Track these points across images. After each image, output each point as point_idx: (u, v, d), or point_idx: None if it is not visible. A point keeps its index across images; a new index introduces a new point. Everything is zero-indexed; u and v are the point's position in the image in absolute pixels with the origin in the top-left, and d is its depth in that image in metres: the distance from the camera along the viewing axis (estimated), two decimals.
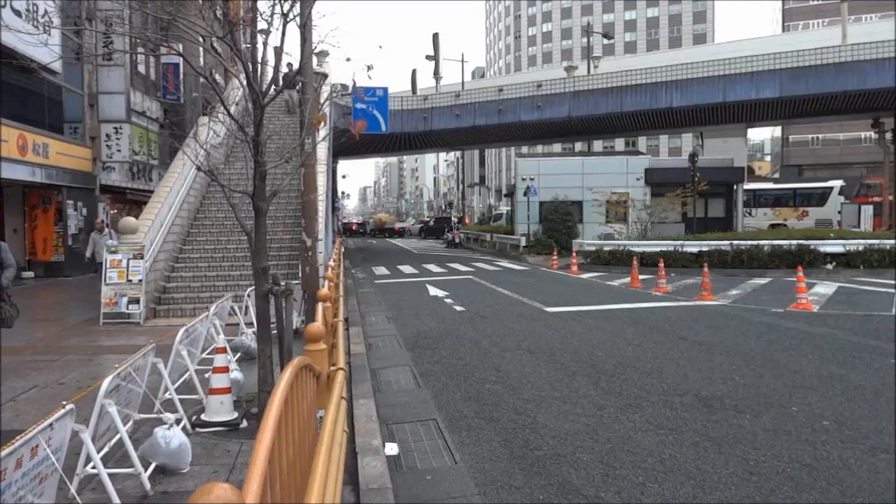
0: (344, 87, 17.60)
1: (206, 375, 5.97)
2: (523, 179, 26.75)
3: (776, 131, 61.78)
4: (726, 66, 24.76)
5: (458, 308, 11.78)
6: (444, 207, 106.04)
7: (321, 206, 12.39)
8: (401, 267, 21.13)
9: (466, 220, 60.86)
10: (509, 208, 38.51)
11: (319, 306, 5.15)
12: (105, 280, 10.52)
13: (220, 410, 5.23)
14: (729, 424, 5.14)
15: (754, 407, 5.57)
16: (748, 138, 36.80)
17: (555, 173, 26.86)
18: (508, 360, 7.47)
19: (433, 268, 20.83)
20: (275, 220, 14.50)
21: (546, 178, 26.80)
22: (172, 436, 4.21)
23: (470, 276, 17.88)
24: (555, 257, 20.71)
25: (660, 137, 59.22)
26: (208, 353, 7.13)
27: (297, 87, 14.93)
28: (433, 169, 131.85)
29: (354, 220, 75.75)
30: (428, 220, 62.11)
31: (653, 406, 5.64)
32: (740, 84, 24.62)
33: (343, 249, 23.81)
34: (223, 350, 5.46)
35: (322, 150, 14.41)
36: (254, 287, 5.76)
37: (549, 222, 25.30)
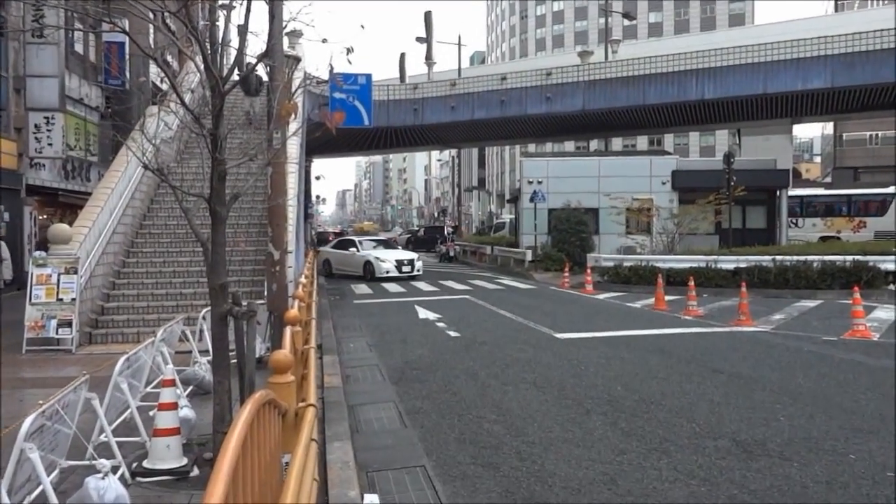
0: (323, 82, 17.67)
1: (151, 413, 5.91)
2: (529, 183, 26.89)
3: (827, 128, 62.46)
4: (768, 52, 25.05)
5: (453, 333, 11.79)
6: (436, 215, 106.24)
7: (291, 213, 12.38)
8: (385, 285, 21.17)
9: (463, 231, 61.09)
10: (513, 216, 38.70)
11: (288, 331, 5.13)
12: (30, 299, 10.37)
13: (167, 456, 5.18)
14: (773, 475, 5.11)
15: (803, 454, 5.56)
16: (794, 136, 37.16)
17: (566, 176, 27.01)
18: (511, 396, 7.46)
19: (423, 286, 20.86)
20: (236, 229, 14.49)
21: (556, 181, 26.94)
22: (107, 487, 4.13)
23: (466, 296, 17.89)
24: (566, 274, 20.79)
25: (689, 135, 59.67)
26: (154, 387, 7.07)
27: (261, 92, 14.98)
28: (424, 170, 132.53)
29: (331, 230, 75.78)
30: (417, 229, 62.26)
31: (682, 451, 5.63)
32: (784, 73, 24.90)
33: (317, 263, 23.79)
34: (171, 383, 5.41)
35: (293, 147, 14.44)
36: (210, 308, 5.73)
37: (559, 233, 25.42)
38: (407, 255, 23.73)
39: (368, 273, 22.69)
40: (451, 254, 34.76)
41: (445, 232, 39.57)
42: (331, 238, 63.66)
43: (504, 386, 7.93)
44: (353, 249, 23.87)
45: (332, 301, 17.68)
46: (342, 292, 20.24)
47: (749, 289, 15.11)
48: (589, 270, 19.97)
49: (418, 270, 23.16)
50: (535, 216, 25.54)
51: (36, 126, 17.54)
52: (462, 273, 26.57)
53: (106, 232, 12.37)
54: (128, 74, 22.26)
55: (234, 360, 5.50)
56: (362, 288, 21.07)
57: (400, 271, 22.63)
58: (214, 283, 5.15)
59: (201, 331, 9.25)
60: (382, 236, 44.25)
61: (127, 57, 21.81)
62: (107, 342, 10.99)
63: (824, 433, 6.05)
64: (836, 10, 54.22)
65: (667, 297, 15.68)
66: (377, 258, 22.80)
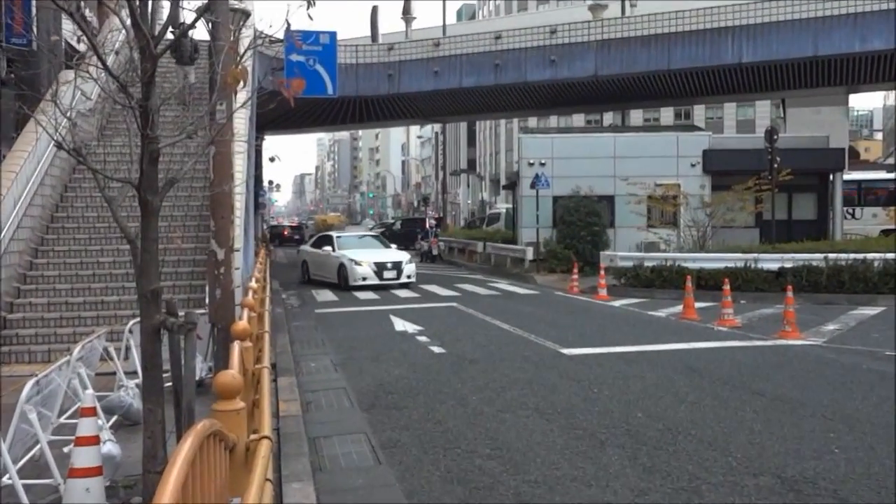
0: (278, 42, 17.55)
1: (66, 450, 5.87)
2: (530, 165, 26.99)
3: (890, 98, 63.11)
4: (820, 6, 25.24)
5: (436, 349, 11.85)
6: (416, 204, 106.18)
7: (239, 202, 12.35)
8: (355, 291, 21.19)
9: (449, 223, 61.15)
10: (510, 206, 38.76)
11: (235, 347, 5.12)
12: None
13: (86, 500, 5.15)
14: None
15: (862, 492, 5.62)
16: (850, 108, 37.48)
17: (575, 157, 27.14)
18: (509, 425, 7.50)
19: (401, 292, 20.90)
20: (171, 222, 14.43)
21: (563, 163, 27.06)
22: None
23: (453, 304, 17.94)
24: (575, 276, 20.94)
25: (724, 107, 60.22)
26: (69, 417, 7.03)
27: (196, 60, 14.84)
28: (401, 150, 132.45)
29: (287, 223, 75.46)
30: (392, 222, 62.27)
31: (716, 491, 5.68)
32: (839, 31, 25.10)
33: (270, 263, 23.71)
34: (91, 412, 5.38)
35: (241, 122, 14.39)
36: (139, 319, 5.71)
37: (566, 226, 25.56)
38: (392, 255, 22.71)
39: (342, 279, 21.79)
40: (435, 252, 34.83)
41: (427, 225, 39.54)
42: (286, 233, 63.81)
43: (500, 413, 7.97)
44: (329, 248, 23.13)
45: (288, 310, 17.65)
46: (302, 298, 20.16)
47: (796, 293, 15.23)
48: (602, 272, 20.10)
49: (409, 277, 22.09)
50: (537, 206, 25.65)
51: None
52: (448, 275, 26.59)
53: (8, 227, 12.27)
54: (35, 31, 22.04)
55: (170, 384, 5.48)
56: (326, 294, 21.02)
57: (381, 278, 21.59)
58: (144, 289, 5.14)
59: (128, 348, 9.20)
60: (362, 231, 44.35)
61: (34, 11, 21.60)
62: (10, 362, 10.90)
63: (888, 468, 6.12)
64: None
65: (697, 304, 15.78)
66: (351, 260, 21.77)
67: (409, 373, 10.11)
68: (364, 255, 22.02)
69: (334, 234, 25.28)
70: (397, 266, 21.94)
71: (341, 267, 21.86)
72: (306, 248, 25.70)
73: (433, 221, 39.88)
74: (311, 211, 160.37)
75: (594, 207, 25.56)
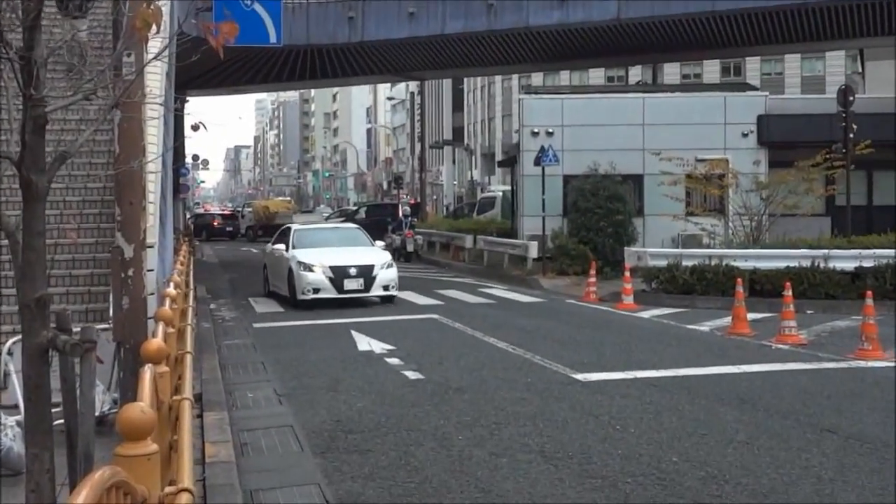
0: None
1: None
2: (534, 135, 27.06)
3: None
4: None
5: (412, 374, 11.88)
6: (385, 186, 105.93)
7: (152, 184, 12.27)
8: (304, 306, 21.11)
9: (429, 211, 61.07)
10: (508, 188, 38.75)
11: (147, 372, 5.10)
12: None
13: None
14: None
15: None
16: None
17: (592, 124, 27.24)
18: (505, 473, 7.50)
19: (366, 301, 20.84)
20: (64, 210, 14.34)
21: (576, 132, 27.14)
22: None
23: (434, 316, 17.99)
24: (592, 279, 21.04)
25: (785, 59, 60.44)
26: None
27: (90, 11, 14.68)
28: (366, 115, 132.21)
29: (218, 211, 74.88)
30: (355, 209, 62.23)
31: None
32: None
33: (193, 262, 23.59)
34: None
35: (155, 78, 14.29)
36: (19, 336, 5.68)
37: (581, 215, 25.64)
38: (362, 255, 20.90)
39: (291, 291, 20.50)
40: (410, 248, 34.83)
41: (400, 213, 39.55)
42: (216, 223, 63.49)
43: (494, 457, 7.97)
44: (282, 247, 21.79)
45: (218, 324, 17.63)
46: (236, 309, 20.08)
47: (878, 301, 15.27)
48: (627, 273, 20.15)
49: (387, 288, 20.48)
50: (544, 188, 25.69)
51: None
52: (427, 278, 26.55)
53: None
54: None
55: (61, 421, 5.45)
56: (268, 303, 20.95)
57: (340, 289, 19.97)
58: (27, 298, 5.10)
59: (6, 374, 9.15)
60: (316, 221, 44.08)
61: None
62: None
63: None
64: None
65: (750, 315, 15.85)
66: (300, 263, 20.24)
67: (375, 405, 10.10)
68: (319, 257, 20.35)
69: (295, 226, 24.14)
70: (365, 272, 20.14)
71: (290, 274, 20.59)
72: (270, 246, 23.90)
73: (408, 209, 39.87)
74: (249, 195, 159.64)
75: (617, 190, 25.66)
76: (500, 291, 22.71)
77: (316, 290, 19.88)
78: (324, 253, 20.71)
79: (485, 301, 20.73)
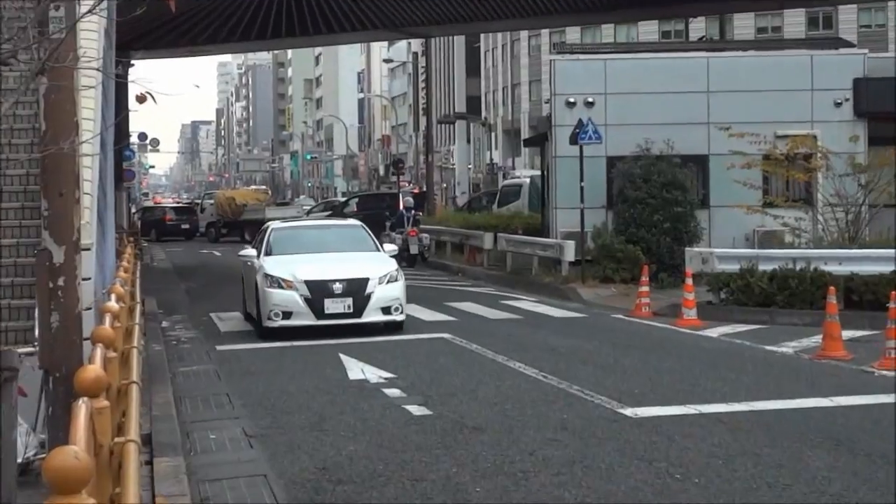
0: None
1: None
2: (570, 105, 26.98)
3: None
4: None
5: (416, 409, 11.87)
6: (382, 172, 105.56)
7: (88, 170, 12.27)
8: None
9: (437, 203, 60.89)
10: (537, 173, 38.56)
11: (83, 408, 5.09)
12: None
13: None
14: None
15: None
16: None
17: (644, 91, 27.15)
18: None
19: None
20: None
21: (623, 102, 27.08)
22: None
23: (445, 335, 18.03)
24: (644, 288, 21.00)
25: (889, 7, 59.88)
26: None
27: None
28: (357, 83, 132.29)
29: (171, 204, 74.85)
30: (345, 201, 62.16)
31: None
32: None
33: (140, 269, 23.57)
34: None
35: (91, 37, 14.29)
36: None
37: (630, 207, 25.67)
38: (357, 265, 19.57)
39: (258, 313, 19.35)
40: (415, 250, 34.73)
41: (401, 206, 39.39)
42: (168, 219, 63.46)
43: None
44: (253, 253, 20.73)
45: (173, 346, 17.67)
46: (195, 327, 20.08)
47: None
48: (689, 281, 20.02)
49: (388, 311, 18.87)
50: (582, 173, 25.59)
51: None
52: (436, 287, 26.52)
53: None
54: None
55: None
56: (234, 320, 20.97)
57: (320, 313, 18.54)
58: None
59: None
60: (294, 214, 43.89)
61: None
62: None
63: None
64: None
65: (845, 333, 15.72)
66: (268, 276, 18.94)
67: (370, 449, 10.06)
68: (294, 267, 19.20)
69: (274, 224, 22.92)
70: (355, 289, 18.65)
71: (257, 290, 19.37)
72: (243, 252, 22.33)
73: (410, 200, 39.68)
74: (210, 184, 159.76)
75: (675, 175, 25.64)
76: (527, 304, 22.68)
77: (286, 315, 18.44)
78: (302, 262, 19.48)
79: (508, 316, 20.71)
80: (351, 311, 18.53)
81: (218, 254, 45.36)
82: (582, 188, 25.51)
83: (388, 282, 18.98)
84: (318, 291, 18.48)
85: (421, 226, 37.30)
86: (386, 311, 18.79)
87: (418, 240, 35.27)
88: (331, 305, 18.48)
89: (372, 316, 18.69)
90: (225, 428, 11.24)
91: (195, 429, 11.20)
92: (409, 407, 12.00)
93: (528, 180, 40.79)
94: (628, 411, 11.43)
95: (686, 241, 24.50)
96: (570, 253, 25.74)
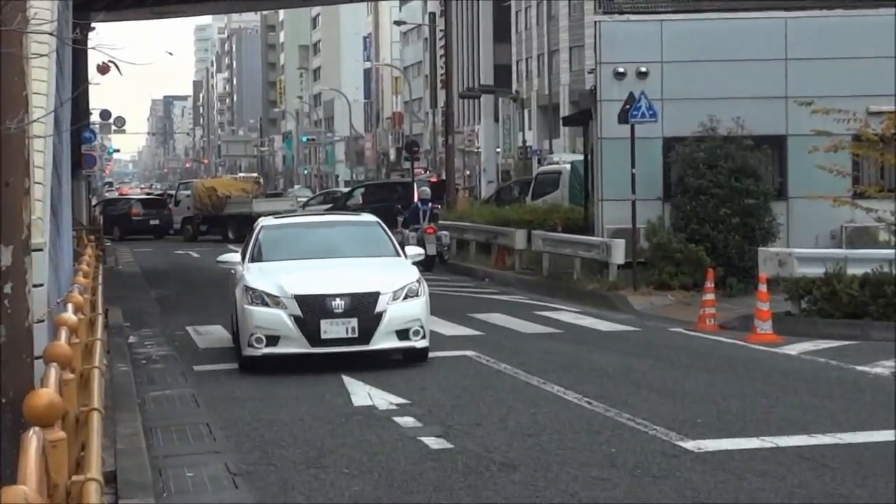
0: None
1: None
2: (618, 76, 26.95)
3: None
4: None
5: (434, 441, 11.85)
6: (392, 156, 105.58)
7: (40, 154, 12.25)
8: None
9: (460, 194, 60.83)
10: (579, 158, 38.43)
11: (33, 440, 5.04)
12: None
13: None
14: None
15: None
16: None
17: (707, 59, 27.12)
18: None
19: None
20: None
21: (682, 72, 27.07)
22: None
23: (468, 353, 18.11)
24: (709, 296, 20.96)
25: None
26: None
27: None
28: (363, 49, 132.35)
29: (139, 196, 75.14)
30: (349, 190, 62.31)
31: None
32: None
33: (103, 273, 23.57)
34: None
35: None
36: None
37: (691, 198, 25.71)
38: (366, 275, 18.45)
39: (236, 338, 18.59)
40: (433, 250, 34.69)
41: (416, 198, 39.44)
42: (135, 213, 63.64)
43: None
44: (237, 258, 19.71)
45: (141, 365, 17.72)
46: (169, 343, 20.10)
47: None
48: (764, 287, 19.94)
49: (408, 335, 17.58)
50: (634, 157, 25.65)
51: None
52: (458, 295, 26.54)
53: None
54: None
55: None
56: (214, 333, 21.00)
57: (315, 338, 17.35)
58: None
59: None
60: (287, 208, 43.65)
61: None
62: None
63: None
64: None
65: None
66: (249, 288, 17.97)
67: (379, 489, 10.04)
68: (283, 277, 18.21)
69: (265, 221, 21.91)
70: (361, 307, 17.50)
71: (236, 307, 18.52)
72: (223, 257, 21.31)
73: (427, 190, 39.71)
74: (186, 171, 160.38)
75: (746, 160, 25.66)
76: (568, 315, 22.66)
77: (271, 341, 17.32)
78: (296, 270, 18.61)
79: (545, 330, 20.69)
80: (356, 335, 17.27)
81: (196, 255, 45.58)
82: (633, 176, 25.54)
83: (405, 297, 17.71)
84: (312, 310, 17.30)
85: (439, 221, 37.34)
86: (402, 335, 17.50)
87: (436, 238, 35.33)
88: (329, 328, 17.29)
89: (383, 342, 17.42)
90: (204, 464, 11.20)
91: (169, 465, 11.19)
92: (425, 439, 11.97)
93: (568, 167, 40.83)
94: (690, 444, 11.36)
95: (759, 239, 24.49)
96: (619, 254, 25.76)
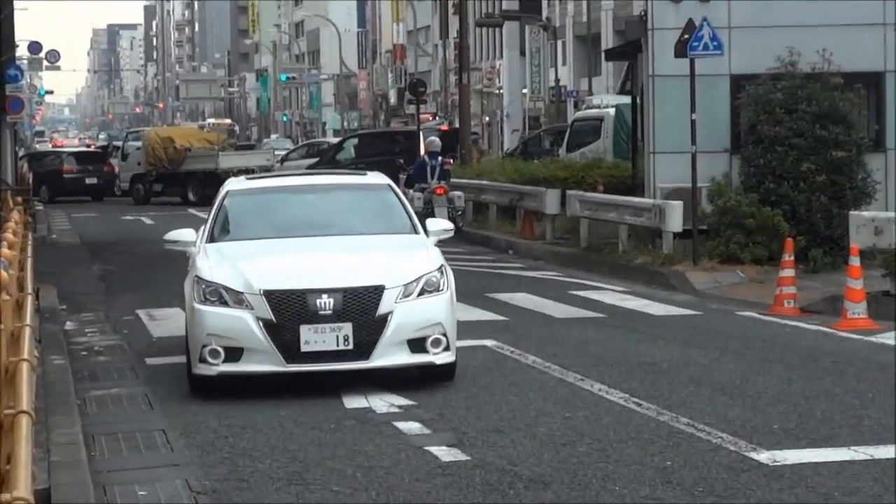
0: None
1: None
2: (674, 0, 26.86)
3: None
4: None
5: (444, 452, 11.85)
6: (393, 100, 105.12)
7: None
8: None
9: (476, 146, 60.68)
10: (625, 100, 38.28)
11: None
12: None
13: None
14: None
15: None
16: None
17: None
18: None
19: None
20: None
21: None
22: None
23: (487, 343, 18.18)
24: (787, 271, 21.03)
25: None
26: None
27: None
28: None
29: (75, 148, 74.93)
30: (339, 142, 62.24)
31: None
32: None
33: (33, 243, 23.60)
34: None
35: None
36: None
37: (766, 151, 25.74)
38: (368, 262, 16.79)
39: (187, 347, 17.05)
40: (444, 215, 34.66)
41: (422, 151, 39.42)
42: (68, 171, 63.37)
43: None
44: (190, 238, 17.99)
45: (81, 358, 17.69)
46: (115, 329, 20.11)
47: None
48: (856, 261, 19.91)
49: (425, 345, 15.66)
50: (694, 100, 25.63)
51: None
52: (476, 270, 26.60)
53: None
54: None
55: None
56: (174, 319, 20.98)
57: (292, 351, 15.44)
58: None
59: None
60: (293, 167, 43.34)
61: None
62: None
63: None
64: None
65: None
66: (201, 280, 16.27)
67: None
68: (253, 264, 16.62)
69: (231, 183, 19.91)
70: (359, 305, 15.71)
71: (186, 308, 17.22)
72: (173, 234, 19.37)
73: (437, 141, 39.56)
74: (136, 116, 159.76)
75: (834, 103, 25.64)
76: (611, 295, 22.71)
77: (232, 354, 15.56)
78: (269, 254, 17.25)
79: (583, 314, 20.72)
80: (349, 347, 15.48)
81: (149, 222, 45.59)
82: (693, 123, 25.52)
83: (421, 292, 15.91)
84: (289, 311, 15.54)
85: (451, 180, 37.31)
86: (417, 346, 15.64)
87: (447, 200, 35.30)
88: (313, 338, 15.45)
89: (390, 356, 15.66)
90: (160, 480, 11.18)
91: (115, 481, 11.14)
92: (434, 449, 11.95)
93: (611, 112, 40.78)
94: (763, 456, 11.34)
95: (850, 201, 24.47)
96: (675, 220, 25.76)
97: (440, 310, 15.73)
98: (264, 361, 15.32)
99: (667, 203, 25.87)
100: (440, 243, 17.84)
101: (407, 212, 18.10)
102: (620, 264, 26.40)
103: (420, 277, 15.77)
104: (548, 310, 21.14)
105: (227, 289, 15.54)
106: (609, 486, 10.54)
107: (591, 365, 15.89)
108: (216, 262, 16.37)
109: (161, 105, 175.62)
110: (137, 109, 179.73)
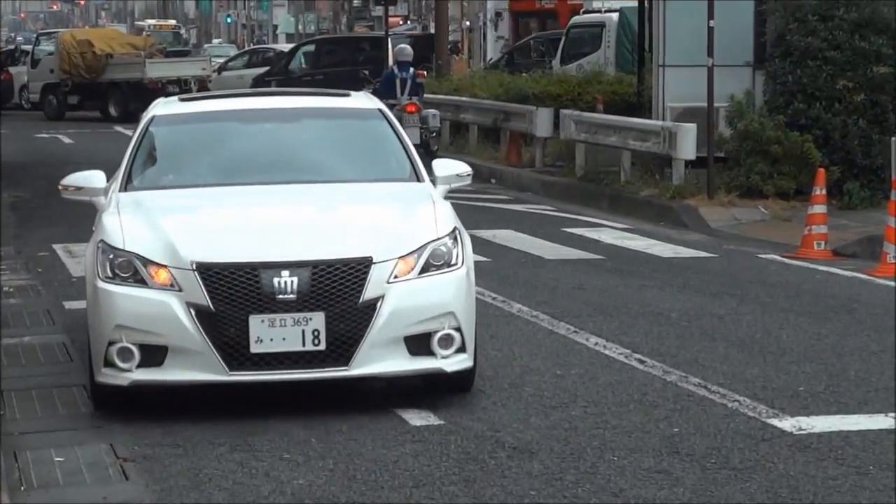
0: None
1: None
2: None
3: None
4: None
5: (418, 416, 11.94)
6: (357, 3, 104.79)
7: None
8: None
9: (454, 57, 60.59)
10: (630, 3, 38.29)
11: None
12: None
13: None
14: None
15: None
16: None
17: None
18: None
19: None
20: None
21: None
22: None
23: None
24: (818, 208, 21.10)
25: None
26: None
27: None
28: None
29: None
30: (293, 49, 62.18)
31: None
32: None
33: None
34: None
35: None
36: None
37: (795, 66, 25.74)
38: (352, 221, 13.96)
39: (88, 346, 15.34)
40: (417, 137, 34.66)
41: (391, 62, 39.46)
42: None
43: None
44: (99, 185, 15.14)
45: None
46: (27, 267, 20.15)
47: None
48: None
49: (430, 340, 12.89)
50: (712, 4, 25.56)
51: None
52: (453, 202, 26.46)
53: None
54: None
55: None
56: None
57: (238, 352, 12.62)
58: None
59: None
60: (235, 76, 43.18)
61: None
62: None
63: None
64: None
65: None
66: (110, 248, 13.28)
67: (335, 483, 10.04)
68: (184, 225, 13.97)
69: (160, 105, 16.89)
70: (335, 288, 12.83)
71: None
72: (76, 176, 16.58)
73: (408, 50, 39.54)
74: (52, 15, 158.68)
75: (877, 10, 25.71)
76: (611, 234, 22.79)
77: (150, 355, 12.77)
78: (203, 209, 14.75)
79: (578, 255, 20.78)
80: (320, 346, 12.67)
81: (67, 140, 45.51)
82: (711, 31, 25.49)
83: (425, 268, 13.23)
84: (233, 295, 12.72)
85: (425, 96, 37.29)
86: (418, 345, 12.93)
87: (420, 119, 35.23)
88: (267, 333, 12.68)
89: (379, 360, 12.81)
90: (80, 444, 11.19)
91: (29, 445, 11.16)
92: (403, 412, 12.05)
93: (614, 16, 40.81)
94: (787, 423, 11.41)
95: (893, 126, 24.46)
96: (687, 145, 25.78)
97: (452, 293, 13.06)
98: (197, 367, 12.60)
99: (678, 126, 25.87)
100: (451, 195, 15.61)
101: (406, 150, 15.53)
102: (622, 197, 26.46)
103: (424, 246, 13.10)
104: (536, 250, 21.22)
105: (145, 260, 12.77)
106: (606, 455, 10.59)
107: (587, 315, 15.95)
108: (131, 220, 13.59)
109: (82, 3, 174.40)
110: (54, 7, 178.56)
